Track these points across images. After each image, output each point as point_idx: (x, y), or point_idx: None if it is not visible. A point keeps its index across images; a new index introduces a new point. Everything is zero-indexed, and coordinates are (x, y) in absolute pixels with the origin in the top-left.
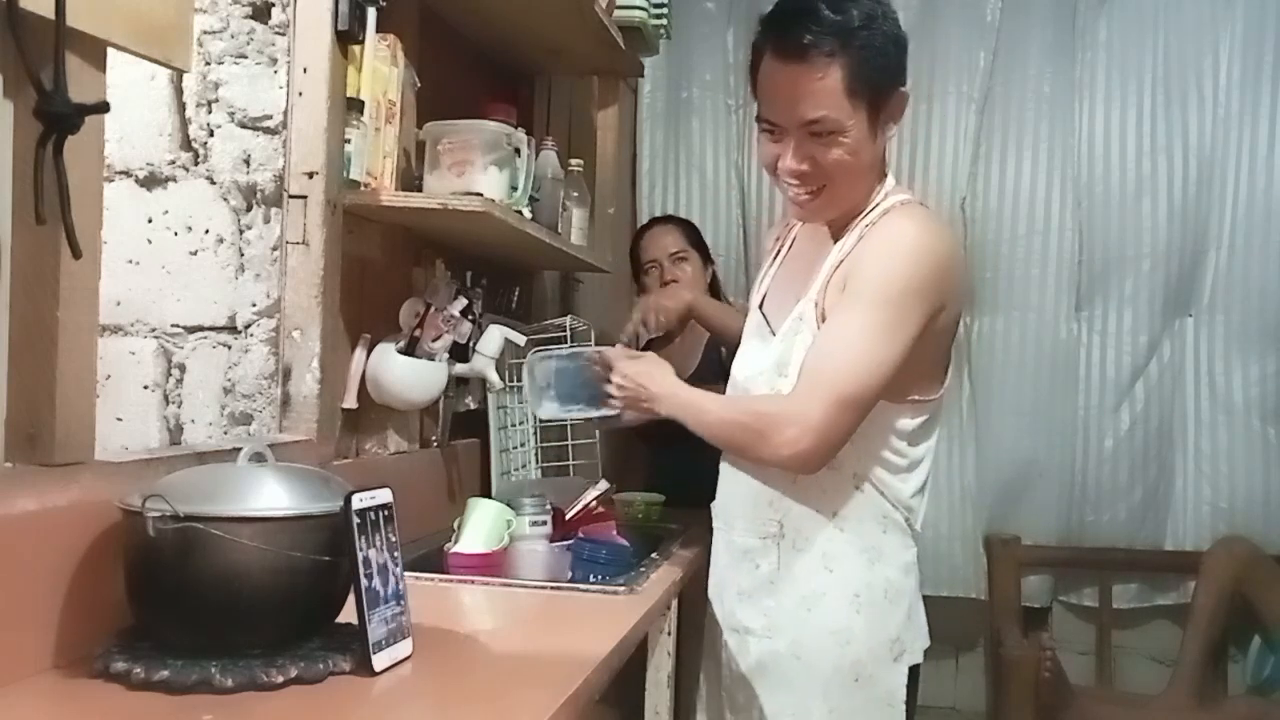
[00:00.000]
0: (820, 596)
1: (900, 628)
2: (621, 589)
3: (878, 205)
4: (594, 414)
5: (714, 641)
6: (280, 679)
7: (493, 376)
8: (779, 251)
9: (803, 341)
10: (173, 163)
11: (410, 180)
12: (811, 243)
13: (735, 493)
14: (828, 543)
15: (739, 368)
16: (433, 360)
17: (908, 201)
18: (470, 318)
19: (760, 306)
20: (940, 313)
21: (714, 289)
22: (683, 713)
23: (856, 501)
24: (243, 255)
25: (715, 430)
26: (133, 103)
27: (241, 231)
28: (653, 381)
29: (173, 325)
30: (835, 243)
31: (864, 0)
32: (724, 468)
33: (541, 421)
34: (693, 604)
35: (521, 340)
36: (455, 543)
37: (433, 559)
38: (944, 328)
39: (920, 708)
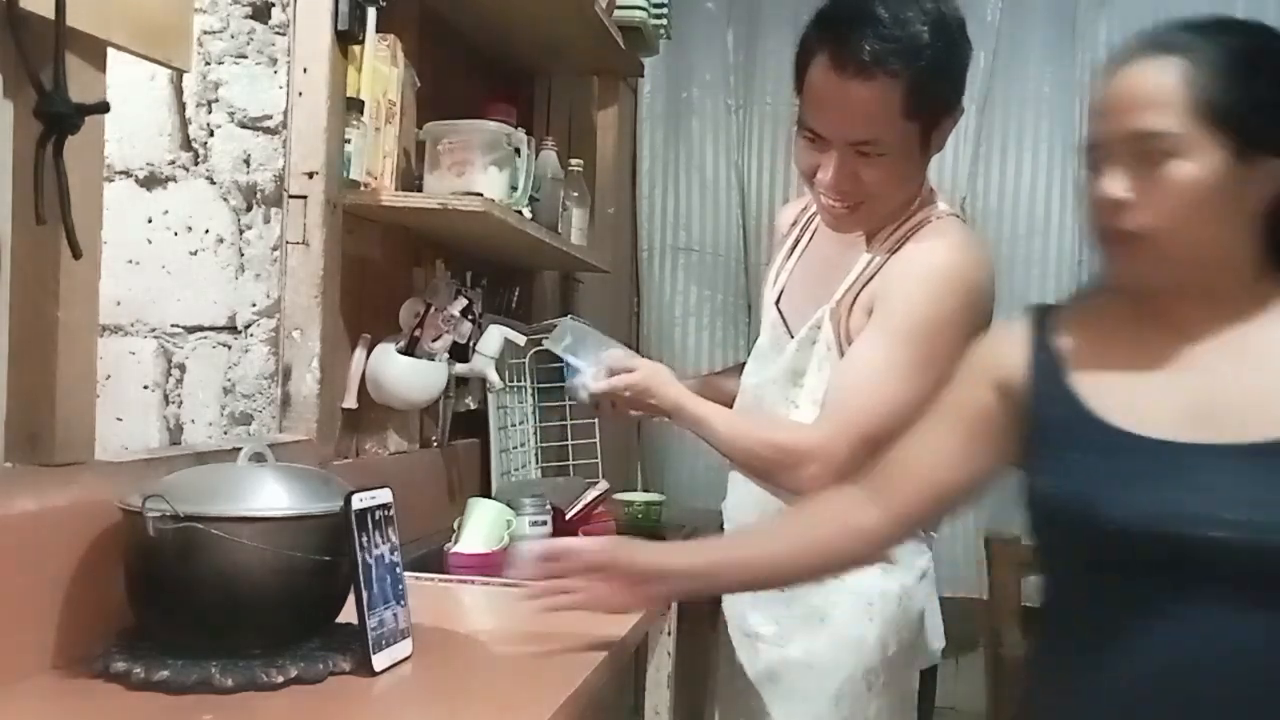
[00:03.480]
0: (833, 606)
1: (915, 633)
2: None
3: (912, 216)
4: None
5: (728, 645)
6: (280, 679)
7: (493, 376)
8: (798, 240)
9: (819, 351)
10: (173, 163)
11: (410, 180)
12: (838, 239)
13: (745, 498)
14: None
15: (750, 373)
16: (433, 360)
17: (944, 215)
18: (470, 318)
19: (777, 303)
20: (975, 340)
21: None
22: (685, 713)
23: None
24: (243, 255)
25: (729, 452)
26: (133, 103)
27: (241, 231)
28: (654, 397)
29: (173, 325)
30: (865, 246)
31: (932, 7)
32: (733, 474)
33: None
34: (693, 604)
35: (521, 340)
36: (455, 543)
37: (433, 559)
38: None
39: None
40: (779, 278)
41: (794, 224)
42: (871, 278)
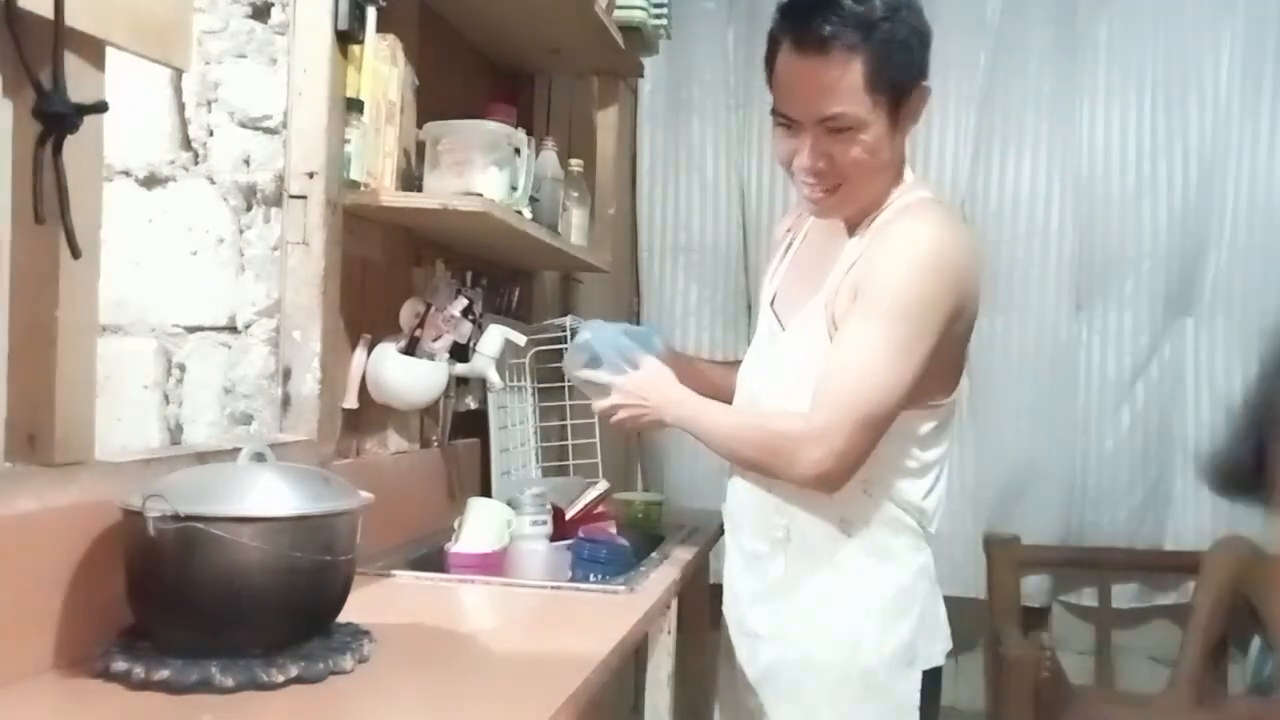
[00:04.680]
0: (828, 603)
1: (913, 633)
2: (621, 589)
3: (893, 203)
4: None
5: (729, 643)
6: (280, 679)
7: (493, 376)
8: (790, 244)
9: (811, 346)
10: (172, 163)
11: (410, 180)
12: (825, 235)
13: (743, 497)
14: (835, 548)
15: (746, 372)
16: (433, 360)
17: (924, 200)
18: (470, 318)
19: (771, 303)
20: (958, 319)
21: None
22: (685, 713)
23: (865, 507)
24: (243, 255)
25: (728, 446)
26: (133, 103)
27: (241, 231)
28: (653, 392)
29: (173, 325)
30: (845, 241)
31: None
32: (733, 475)
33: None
34: (693, 604)
35: (522, 340)
36: (455, 542)
37: (433, 559)
38: (961, 332)
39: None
40: (773, 280)
41: (788, 230)
42: (853, 264)
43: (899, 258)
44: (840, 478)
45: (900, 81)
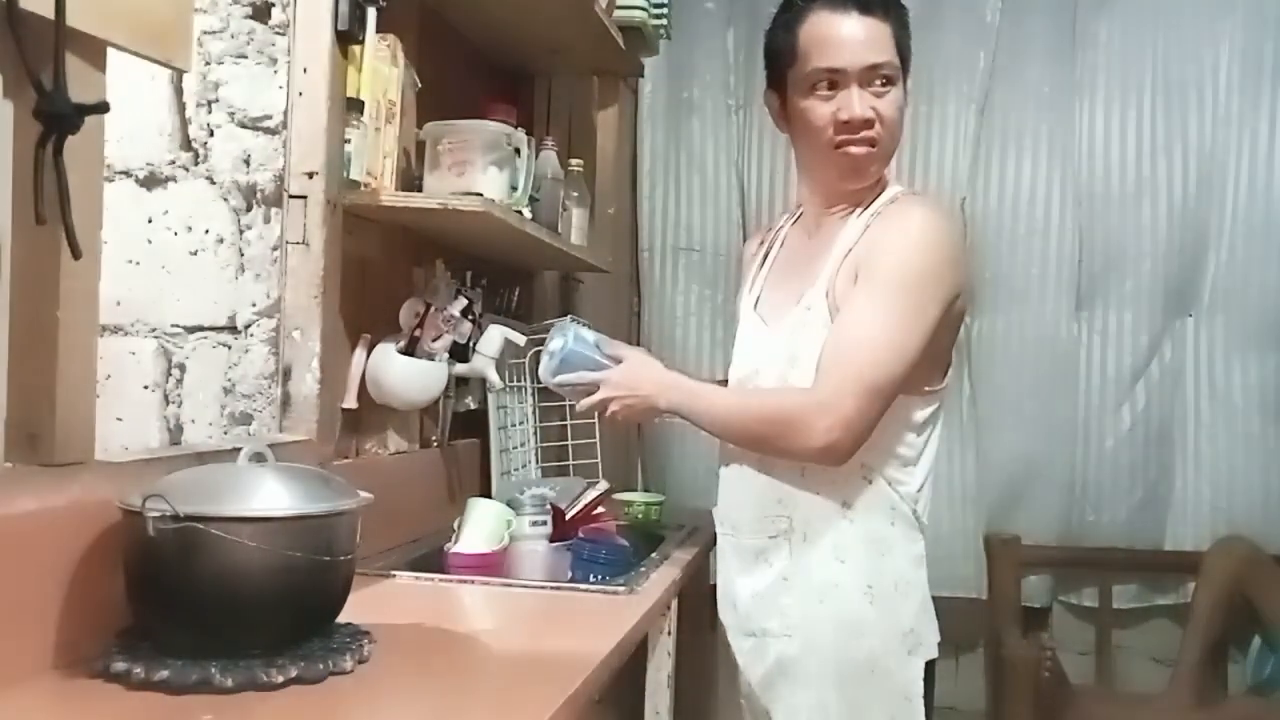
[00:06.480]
0: (833, 588)
1: (914, 620)
2: (621, 589)
3: (882, 195)
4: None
5: (727, 648)
6: (280, 679)
7: (493, 376)
8: (766, 255)
9: (813, 333)
10: (173, 163)
11: (410, 180)
12: (806, 239)
13: (740, 495)
14: (838, 534)
15: (738, 369)
16: (433, 360)
17: (910, 193)
18: (470, 318)
19: (755, 308)
20: (956, 299)
21: None
22: (685, 713)
23: (865, 492)
24: (243, 255)
25: (731, 423)
26: (133, 103)
27: (241, 231)
28: (644, 380)
29: (173, 325)
30: (836, 234)
31: None
32: (725, 472)
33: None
34: (693, 604)
35: (521, 340)
36: (455, 543)
37: (433, 559)
38: (956, 316)
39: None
40: (754, 288)
41: (761, 243)
42: (850, 250)
43: (903, 234)
44: (849, 448)
45: (907, 57)
